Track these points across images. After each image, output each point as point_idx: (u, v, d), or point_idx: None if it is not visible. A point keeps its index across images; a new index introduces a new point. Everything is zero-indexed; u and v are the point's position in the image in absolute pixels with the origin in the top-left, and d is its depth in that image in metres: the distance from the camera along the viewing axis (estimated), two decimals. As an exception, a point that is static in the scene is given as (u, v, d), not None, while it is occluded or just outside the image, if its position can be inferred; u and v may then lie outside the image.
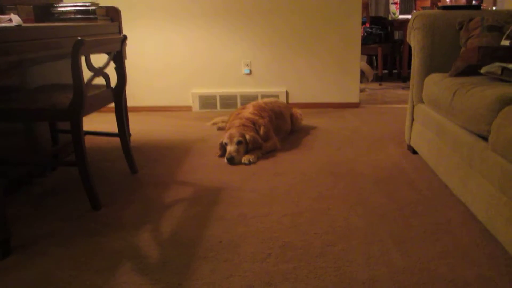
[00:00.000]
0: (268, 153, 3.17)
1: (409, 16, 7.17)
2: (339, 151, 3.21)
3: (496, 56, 2.38)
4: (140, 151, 3.32)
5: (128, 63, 4.72)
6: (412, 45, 2.99)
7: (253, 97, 4.78)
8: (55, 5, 3.09)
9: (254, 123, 3.25)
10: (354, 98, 4.91)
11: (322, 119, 4.34)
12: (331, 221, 2.06)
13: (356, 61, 4.83)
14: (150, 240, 1.92)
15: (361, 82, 5.25)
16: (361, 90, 5.59)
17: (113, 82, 2.58)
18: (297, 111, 3.95)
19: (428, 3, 7.12)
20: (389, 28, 6.92)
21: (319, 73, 4.86)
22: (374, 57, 7.46)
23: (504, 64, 2.21)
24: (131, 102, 4.73)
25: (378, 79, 6.83)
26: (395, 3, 7.66)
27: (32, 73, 2.71)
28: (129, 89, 4.51)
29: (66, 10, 3.04)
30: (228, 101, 4.92)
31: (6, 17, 2.14)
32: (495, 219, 1.78)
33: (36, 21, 2.94)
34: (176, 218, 2.13)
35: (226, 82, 4.92)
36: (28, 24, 2.19)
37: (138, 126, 4.16)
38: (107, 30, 2.96)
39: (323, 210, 2.18)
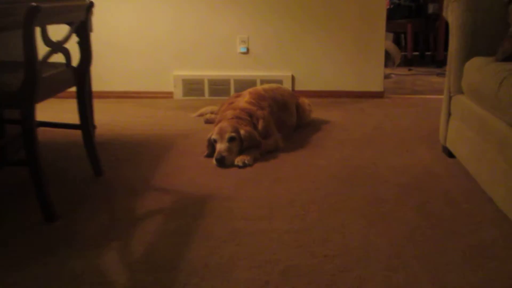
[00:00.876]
0: (268, 154, 3.16)
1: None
2: (357, 153, 3.19)
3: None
4: (107, 148, 3.30)
5: (95, 37, 4.69)
6: (449, 21, 2.97)
7: (251, 83, 4.77)
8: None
9: (251, 115, 3.24)
10: (376, 86, 4.90)
11: (336, 112, 4.32)
12: (345, 241, 2.04)
13: (380, 40, 4.82)
14: (117, 262, 1.90)
15: (385, 66, 5.25)
16: (386, 77, 5.60)
17: (75, 60, 2.55)
18: (305, 101, 3.94)
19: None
20: (421, -1, 6.92)
21: (333, 54, 4.85)
22: (403, 35, 7.45)
23: None
24: (97, 86, 4.71)
25: (407, 62, 6.84)
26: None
27: (-27, 47, 2.69)
28: (95, 70, 4.49)
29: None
30: (218, 87, 4.90)
31: None
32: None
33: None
34: (151, 234, 2.11)
35: (217, 62, 4.90)
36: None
37: (105, 117, 4.14)
38: (68, -4, 2.93)
39: (336, 226, 2.16)
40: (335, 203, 2.40)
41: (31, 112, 2.09)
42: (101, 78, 4.84)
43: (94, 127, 3.49)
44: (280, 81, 4.81)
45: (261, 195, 2.51)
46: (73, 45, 2.50)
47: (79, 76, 2.58)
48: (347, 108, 4.49)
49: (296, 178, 2.75)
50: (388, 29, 6.15)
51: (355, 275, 1.80)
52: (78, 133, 2.71)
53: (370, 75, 4.87)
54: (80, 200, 2.47)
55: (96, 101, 4.17)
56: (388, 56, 6.17)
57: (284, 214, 2.29)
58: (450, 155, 3.05)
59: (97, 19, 4.42)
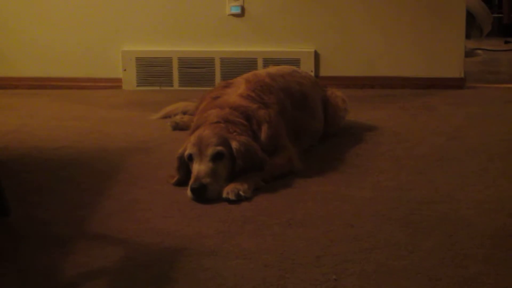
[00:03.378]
0: (276, 180, 3.15)
1: None
2: (422, 178, 3.18)
3: None
4: (15, 171, 3.28)
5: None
6: None
7: (248, 63, 4.77)
8: None
9: (248, 117, 3.24)
10: (453, 70, 4.91)
11: (387, 112, 4.32)
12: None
13: (458, -5, 4.84)
14: None
15: (468, 37, 5.26)
16: (468, 54, 5.59)
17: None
18: (337, 95, 3.95)
19: None
20: None
21: (382, 19, 4.85)
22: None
23: None
24: (1, 70, 4.72)
25: (503, 31, 6.82)
26: None
27: None
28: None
29: None
30: (195, 71, 4.90)
31: None
32: None
33: None
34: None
35: (193, 31, 4.91)
36: None
37: (12, 119, 4.13)
38: None
39: (388, 299, 2.15)
40: (387, 262, 2.37)
41: None
42: (6, 58, 4.84)
43: (-7, 137, 3.49)
44: (295, 62, 4.81)
45: (266, 248, 2.48)
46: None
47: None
48: (405, 106, 4.48)
49: (323, 219, 2.73)
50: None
51: None
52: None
53: (443, 52, 4.88)
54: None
55: (-2, 93, 4.17)
56: (472, 20, 6.18)
57: (303, 279, 2.26)
58: None
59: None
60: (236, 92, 3.38)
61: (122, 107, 4.52)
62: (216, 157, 3.00)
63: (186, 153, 3.06)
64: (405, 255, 2.43)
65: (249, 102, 3.30)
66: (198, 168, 2.98)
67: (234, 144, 3.04)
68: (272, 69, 3.79)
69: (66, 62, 4.95)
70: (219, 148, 3.01)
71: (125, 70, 4.90)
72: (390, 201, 2.92)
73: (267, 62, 4.75)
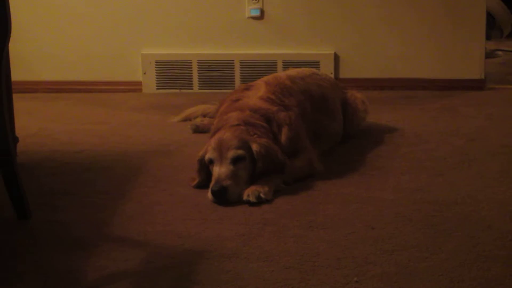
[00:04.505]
0: (297, 182, 3.15)
1: None
2: (442, 180, 3.17)
3: None
4: (36, 175, 3.29)
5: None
6: None
7: (267, 66, 4.78)
8: None
9: (268, 119, 3.24)
10: (473, 71, 4.88)
11: (407, 113, 4.30)
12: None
13: (478, -4, 4.82)
14: None
15: (488, 38, 5.23)
16: (489, 55, 5.57)
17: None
18: (357, 97, 3.94)
19: None
20: None
21: (402, 20, 4.84)
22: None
23: None
24: (20, 74, 4.73)
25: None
26: None
27: None
28: (16, 50, 4.51)
29: None
30: (215, 73, 4.90)
31: None
32: None
33: None
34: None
35: (213, 34, 4.91)
36: None
37: (32, 123, 4.15)
38: None
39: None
40: (408, 264, 2.37)
41: None
42: (27, 62, 4.86)
43: (15, 140, 3.50)
44: (315, 64, 4.81)
45: (286, 251, 2.48)
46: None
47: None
48: (425, 107, 4.46)
49: (344, 221, 2.73)
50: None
51: None
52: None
53: (463, 53, 4.85)
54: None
55: (19, 97, 4.19)
56: (492, 22, 6.15)
57: (324, 281, 2.26)
58: None
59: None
60: (256, 94, 3.38)
61: (142, 110, 4.52)
62: (237, 160, 3.00)
63: (207, 156, 3.06)
64: (426, 257, 2.42)
65: (269, 105, 3.30)
66: (219, 170, 2.99)
67: (255, 147, 3.04)
68: (292, 71, 3.78)
69: (86, 66, 4.96)
70: (240, 151, 3.01)
71: (145, 73, 4.91)
72: (411, 203, 2.91)
73: (287, 64, 4.74)
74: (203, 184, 3.08)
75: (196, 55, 4.88)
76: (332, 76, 4.71)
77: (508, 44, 6.43)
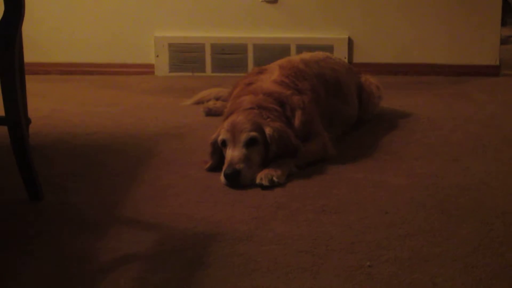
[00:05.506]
0: (310, 166, 3.16)
1: None
2: (456, 166, 3.18)
3: None
4: (48, 157, 3.31)
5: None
6: None
7: (281, 50, 4.76)
8: None
9: (282, 103, 3.24)
10: (488, 57, 4.86)
11: (421, 99, 4.29)
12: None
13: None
14: None
15: (503, 24, 5.20)
16: (504, 41, 5.54)
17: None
18: (371, 82, 3.94)
19: None
20: None
21: (416, 6, 4.82)
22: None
23: None
24: (32, 55, 4.73)
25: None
26: None
27: None
28: (29, 31, 4.51)
29: None
30: (228, 57, 4.90)
31: None
32: None
33: None
34: (119, 296, 2.10)
35: (226, 17, 4.90)
36: None
37: (45, 105, 4.16)
38: None
39: (425, 285, 2.13)
40: (421, 249, 2.37)
41: None
42: (38, 44, 4.87)
43: (28, 121, 3.51)
44: (329, 48, 4.80)
45: (299, 234, 2.48)
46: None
47: (3, 41, 2.59)
48: (439, 93, 4.45)
49: (357, 206, 2.73)
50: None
51: None
52: (1, 130, 2.71)
53: (478, 39, 4.84)
54: (3, 242, 2.47)
55: (31, 79, 4.20)
56: (508, 7, 6.12)
57: (337, 265, 2.26)
58: None
59: None
60: (270, 78, 3.38)
61: (155, 93, 4.53)
62: (250, 143, 3.01)
63: (220, 138, 3.06)
64: (440, 242, 2.43)
65: (283, 88, 3.30)
66: (232, 153, 2.99)
67: (268, 130, 3.04)
68: (306, 55, 3.78)
69: (99, 48, 4.96)
70: (253, 133, 3.01)
71: (157, 56, 4.91)
72: (425, 188, 2.91)
73: (300, 48, 4.73)
74: (216, 167, 3.09)
75: (209, 38, 4.88)
76: (346, 60, 4.70)
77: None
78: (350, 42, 4.87)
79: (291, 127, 3.18)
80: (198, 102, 4.20)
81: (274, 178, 2.94)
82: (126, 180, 3.03)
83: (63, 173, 3.11)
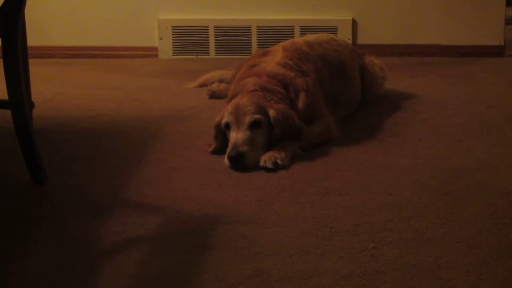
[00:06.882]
0: (314, 148, 3.16)
1: None
2: (460, 147, 3.17)
3: None
4: (52, 140, 3.31)
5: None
6: None
7: (285, 32, 4.75)
8: None
9: (286, 85, 3.23)
10: (493, 37, 4.85)
11: (425, 80, 4.28)
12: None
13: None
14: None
15: (508, 4, 5.17)
16: (508, 22, 5.51)
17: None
18: (375, 63, 3.94)
19: None
20: None
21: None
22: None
23: None
24: (36, 39, 4.73)
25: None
26: None
27: None
28: (32, 14, 4.50)
29: None
30: (232, 39, 4.89)
31: None
32: None
33: None
34: (124, 278, 2.11)
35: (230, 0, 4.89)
36: None
37: (48, 88, 4.16)
38: None
39: (427, 269, 2.14)
40: (426, 230, 2.37)
41: None
42: (41, 28, 4.86)
43: (32, 105, 3.51)
44: (333, 30, 4.79)
45: (303, 217, 2.49)
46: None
47: (5, 24, 2.59)
48: (443, 74, 4.44)
49: (361, 188, 2.74)
50: None
51: None
52: (6, 115, 2.71)
53: (483, 20, 4.82)
54: (8, 224, 2.48)
55: (34, 62, 4.19)
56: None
57: (341, 247, 2.27)
58: None
59: None
60: (274, 60, 3.37)
61: (158, 76, 4.52)
62: (254, 125, 3.01)
63: (223, 121, 3.06)
64: (444, 223, 2.43)
65: (287, 70, 3.29)
66: (236, 136, 2.99)
67: (272, 112, 3.04)
68: (310, 37, 3.77)
69: (102, 31, 4.96)
70: (257, 116, 3.01)
71: (161, 39, 4.91)
72: (429, 170, 2.91)
73: (304, 30, 4.73)
74: (220, 149, 3.10)
75: (212, 21, 4.87)
76: (350, 42, 4.69)
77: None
78: (354, 23, 4.86)
79: (295, 109, 3.17)
80: (202, 85, 4.20)
81: (278, 161, 2.94)
82: (130, 163, 3.04)
83: (67, 157, 3.12)
